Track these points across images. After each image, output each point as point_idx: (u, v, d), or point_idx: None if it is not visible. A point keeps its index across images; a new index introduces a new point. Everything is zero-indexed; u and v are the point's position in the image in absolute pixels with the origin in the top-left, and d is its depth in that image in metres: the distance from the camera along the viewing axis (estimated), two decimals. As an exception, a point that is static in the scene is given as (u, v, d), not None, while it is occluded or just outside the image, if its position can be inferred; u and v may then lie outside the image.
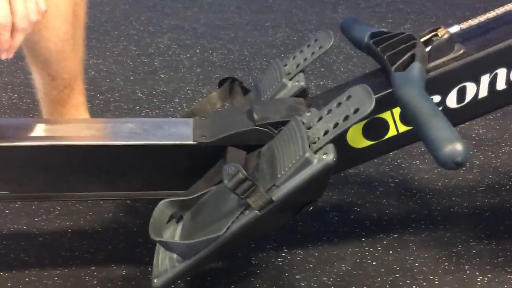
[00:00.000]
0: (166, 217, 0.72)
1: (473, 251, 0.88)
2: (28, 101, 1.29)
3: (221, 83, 0.87)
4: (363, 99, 0.63)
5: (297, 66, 0.83)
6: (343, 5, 1.89)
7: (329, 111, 0.66)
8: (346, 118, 0.63)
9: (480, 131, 1.20)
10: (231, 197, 0.68)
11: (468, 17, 0.78)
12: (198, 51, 1.56)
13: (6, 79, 1.39)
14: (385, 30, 0.77)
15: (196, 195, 0.73)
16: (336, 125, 0.64)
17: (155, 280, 0.70)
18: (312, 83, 1.39)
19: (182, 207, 0.73)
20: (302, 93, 0.80)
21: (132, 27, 1.69)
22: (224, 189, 0.68)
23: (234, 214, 0.67)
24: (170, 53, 1.54)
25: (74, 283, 0.82)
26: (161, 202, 0.71)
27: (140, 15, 1.77)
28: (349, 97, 0.65)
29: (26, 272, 0.83)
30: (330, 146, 0.63)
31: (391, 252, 0.89)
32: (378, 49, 0.74)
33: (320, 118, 0.67)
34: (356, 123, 0.62)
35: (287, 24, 1.74)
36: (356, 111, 0.63)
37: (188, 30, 1.68)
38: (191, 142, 0.74)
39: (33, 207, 0.96)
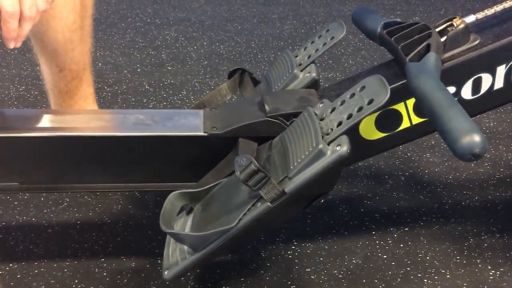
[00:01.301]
0: (176, 209, 0.71)
1: (485, 244, 0.88)
2: (35, 93, 1.29)
3: (230, 75, 0.86)
4: (377, 89, 0.62)
5: (308, 57, 0.82)
6: (351, -3, 1.87)
7: (343, 102, 0.65)
8: (360, 109, 0.62)
9: (491, 124, 1.19)
10: (242, 189, 0.67)
11: (478, 9, 0.77)
12: (205, 43, 1.55)
13: (14, 71, 1.38)
14: (398, 20, 0.76)
15: (206, 187, 0.72)
16: (350, 116, 0.63)
17: (165, 272, 0.70)
18: (320, 76, 1.37)
19: (193, 199, 0.72)
20: (313, 84, 0.79)
21: (139, 19, 1.68)
22: (235, 180, 0.67)
23: (245, 206, 0.66)
24: (177, 45, 1.54)
25: (84, 275, 0.81)
26: (171, 194, 0.71)
27: (147, 7, 1.76)
28: (363, 88, 0.64)
29: (36, 263, 0.83)
30: (344, 138, 0.63)
31: (402, 245, 0.88)
32: (392, 39, 0.72)
33: (333, 109, 0.66)
34: (370, 114, 0.61)
35: (295, 17, 1.73)
36: (370, 102, 0.62)
37: (195, 23, 1.67)
38: (202, 134, 0.74)
39: (42, 198, 0.96)
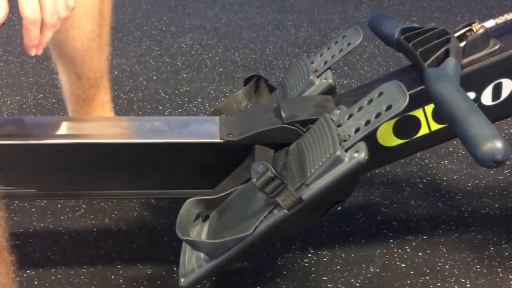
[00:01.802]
0: (192, 216, 0.71)
1: (506, 253, 0.86)
2: (53, 100, 1.30)
3: (246, 81, 0.86)
4: (395, 95, 0.61)
5: (325, 63, 0.81)
6: (366, 4, 1.87)
7: (360, 108, 0.64)
8: (378, 115, 0.62)
9: (511, 130, 1.17)
10: (259, 196, 0.66)
11: (495, 15, 0.76)
12: (220, 50, 1.55)
13: (32, 79, 1.40)
14: (416, 25, 0.75)
15: (222, 194, 0.72)
16: (367, 122, 0.62)
17: (182, 280, 0.70)
18: (335, 82, 1.37)
19: (209, 206, 0.72)
20: (330, 90, 0.79)
21: (155, 28, 1.70)
22: (252, 187, 0.67)
23: (262, 214, 0.65)
24: (192, 53, 1.54)
25: (100, 282, 0.81)
26: (187, 201, 0.71)
27: (162, 16, 1.78)
28: (380, 94, 0.63)
29: (52, 270, 0.84)
30: (362, 144, 0.62)
31: (420, 254, 0.86)
32: (410, 44, 0.71)
33: (350, 116, 0.65)
34: (388, 120, 0.61)
35: (309, 24, 1.73)
36: (388, 108, 0.61)
37: (210, 30, 1.68)
38: (218, 140, 0.73)
39: (59, 205, 0.97)
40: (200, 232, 0.72)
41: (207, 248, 0.67)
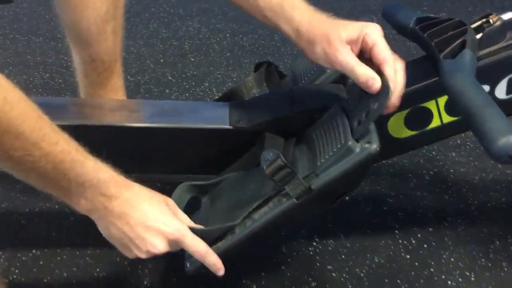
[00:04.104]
0: (185, 201, 0.71)
1: (511, 248, 0.86)
2: (60, 80, 1.30)
3: (257, 67, 0.85)
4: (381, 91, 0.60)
5: (337, 52, 0.80)
6: (376, -8, 1.84)
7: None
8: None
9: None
10: (267, 184, 0.66)
11: (507, 6, 0.75)
12: (228, 35, 1.54)
13: (39, 58, 1.39)
14: (432, 15, 0.74)
15: (214, 180, 0.71)
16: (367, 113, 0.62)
17: (187, 264, 0.69)
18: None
19: (201, 191, 0.72)
20: (341, 79, 0.78)
21: (163, 10, 1.68)
22: (257, 174, 0.66)
23: (270, 201, 0.65)
24: (200, 36, 1.53)
25: (105, 263, 0.82)
26: (181, 185, 0.70)
27: (170, -2, 1.76)
28: None
29: (58, 251, 0.84)
30: (374, 135, 0.61)
31: (425, 246, 0.86)
32: (425, 35, 0.70)
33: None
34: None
35: (319, 10, 1.70)
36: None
37: (218, 14, 1.66)
38: (228, 127, 0.73)
39: (65, 186, 0.96)
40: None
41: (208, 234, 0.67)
